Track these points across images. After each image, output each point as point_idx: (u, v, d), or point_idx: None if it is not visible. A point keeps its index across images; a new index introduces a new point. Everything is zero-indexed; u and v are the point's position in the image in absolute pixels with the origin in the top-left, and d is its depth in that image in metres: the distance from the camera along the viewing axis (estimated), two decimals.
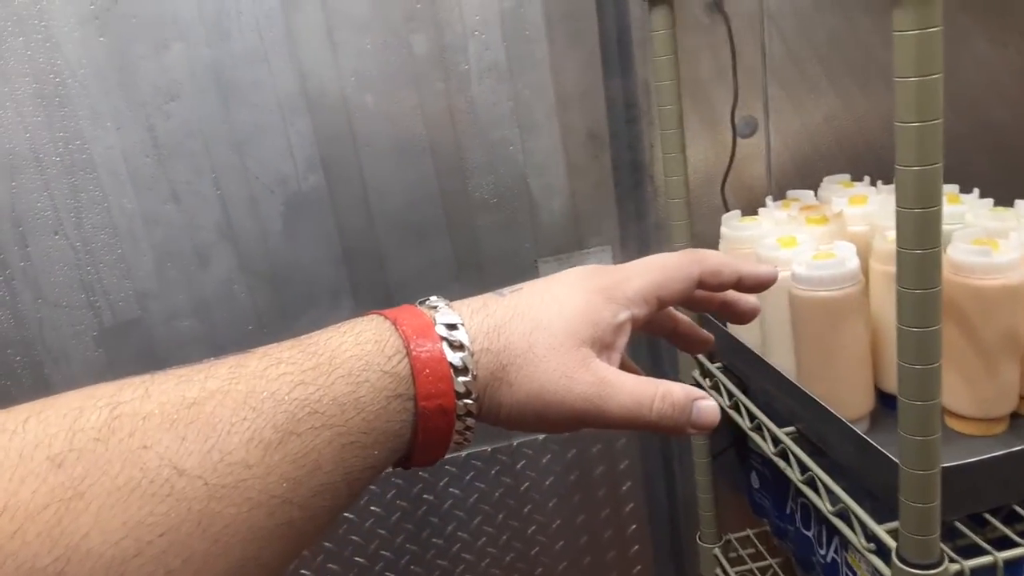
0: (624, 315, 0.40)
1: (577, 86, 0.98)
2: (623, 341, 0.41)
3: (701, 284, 0.43)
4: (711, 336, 0.49)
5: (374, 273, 1.01)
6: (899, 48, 0.48)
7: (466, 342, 0.36)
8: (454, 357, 0.36)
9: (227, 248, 0.97)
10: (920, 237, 0.50)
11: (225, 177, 0.95)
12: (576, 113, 0.99)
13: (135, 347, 0.98)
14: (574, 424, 0.39)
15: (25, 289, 0.93)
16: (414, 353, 0.35)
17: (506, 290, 0.41)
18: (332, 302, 1.01)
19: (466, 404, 0.36)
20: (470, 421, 0.37)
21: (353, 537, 1.11)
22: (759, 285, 0.45)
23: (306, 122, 0.94)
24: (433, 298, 0.39)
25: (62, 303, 0.95)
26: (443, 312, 0.37)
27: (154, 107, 0.91)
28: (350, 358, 0.34)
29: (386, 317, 0.37)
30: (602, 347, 0.40)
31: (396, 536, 1.13)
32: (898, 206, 0.50)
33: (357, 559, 1.12)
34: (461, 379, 0.36)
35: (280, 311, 1.00)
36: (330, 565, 1.11)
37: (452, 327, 0.37)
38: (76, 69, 0.88)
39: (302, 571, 1.10)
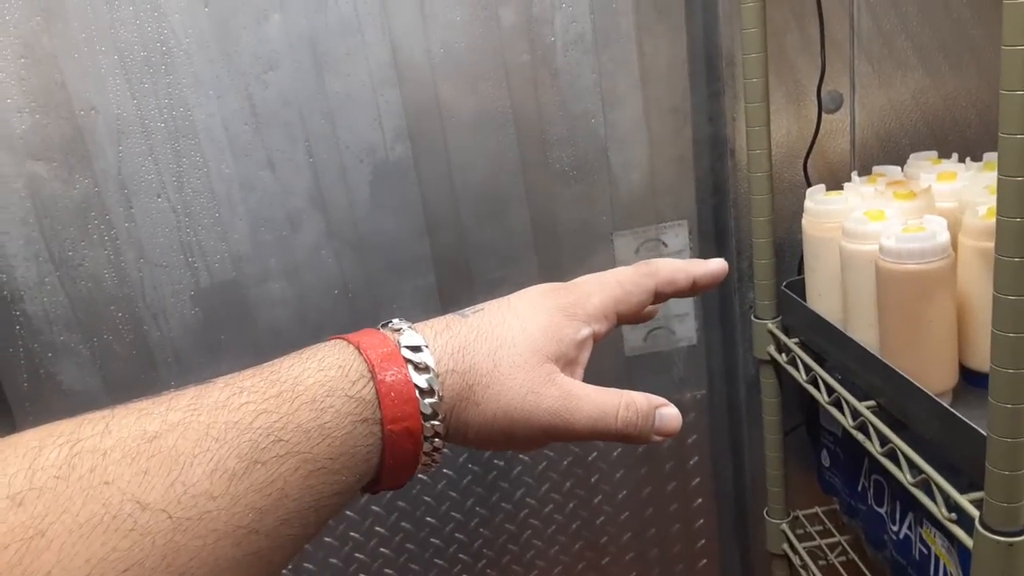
0: (586, 331, 0.42)
1: (662, 59, 0.99)
2: (586, 356, 0.42)
3: (657, 294, 0.45)
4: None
5: (454, 242, 1.04)
6: (1008, 15, 0.48)
7: (431, 364, 0.37)
8: (420, 379, 0.36)
9: (317, 215, 1.01)
10: (1022, 206, 0.50)
11: (317, 146, 0.98)
12: (660, 86, 1.00)
13: (229, 307, 1.02)
14: (542, 440, 0.40)
15: (128, 249, 0.99)
16: (379, 377, 0.35)
17: (468, 310, 0.42)
18: (414, 270, 1.04)
19: (433, 426, 0.36)
20: (438, 442, 0.37)
21: (425, 498, 1.15)
22: (714, 281, 0.46)
23: (395, 93, 0.97)
24: (396, 320, 0.39)
25: (162, 263, 1.00)
26: (407, 334, 0.38)
27: (253, 76, 0.95)
28: (313, 384, 0.34)
29: (349, 342, 0.37)
30: (566, 363, 0.41)
31: (466, 499, 1.16)
32: (1000, 174, 0.51)
33: (428, 519, 1.16)
34: (427, 401, 0.36)
35: (365, 277, 1.03)
36: (403, 523, 1.15)
37: (416, 349, 0.37)
38: (181, 38, 0.92)
39: (377, 528, 1.15)
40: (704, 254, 1.08)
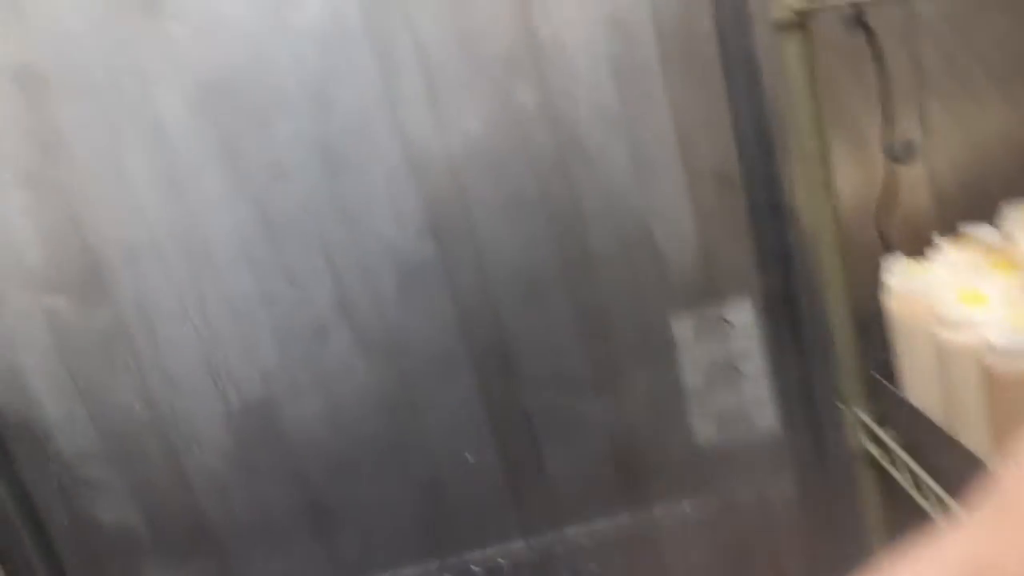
0: None
1: (700, 122, 0.89)
2: None
3: None
4: None
5: (493, 337, 0.96)
6: None
7: None
8: None
9: (343, 322, 0.94)
10: None
11: (336, 251, 0.92)
12: (701, 152, 0.90)
13: (262, 428, 0.96)
14: None
15: (155, 377, 0.94)
16: None
17: None
18: (453, 372, 0.96)
19: None
20: None
21: None
22: None
23: (412, 187, 0.90)
24: None
25: (191, 387, 0.95)
26: None
27: (262, 186, 0.89)
28: None
29: None
30: None
31: None
32: None
33: None
34: None
35: (401, 384, 0.95)
36: None
37: None
38: (185, 155, 0.88)
39: None
40: (775, 332, 0.95)
